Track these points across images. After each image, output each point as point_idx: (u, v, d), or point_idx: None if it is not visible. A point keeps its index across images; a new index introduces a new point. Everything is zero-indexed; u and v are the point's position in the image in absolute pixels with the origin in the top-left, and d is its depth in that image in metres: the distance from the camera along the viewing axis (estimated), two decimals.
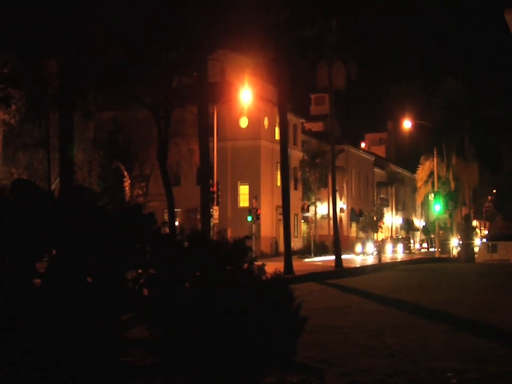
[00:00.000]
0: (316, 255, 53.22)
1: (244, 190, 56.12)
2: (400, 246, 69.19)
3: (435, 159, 55.57)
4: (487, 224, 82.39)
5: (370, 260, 48.34)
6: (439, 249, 55.31)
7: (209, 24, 29.33)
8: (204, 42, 29.15)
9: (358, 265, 38.30)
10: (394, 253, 64.10)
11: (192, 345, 5.60)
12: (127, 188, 45.07)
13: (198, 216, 35.82)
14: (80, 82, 26.39)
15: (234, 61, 48.89)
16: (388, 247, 65.44)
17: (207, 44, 29.87)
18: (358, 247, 61.31)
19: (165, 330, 5.74)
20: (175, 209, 33.97)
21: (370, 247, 61.40)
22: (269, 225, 56.00)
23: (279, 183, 45.19)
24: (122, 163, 45.14)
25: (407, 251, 69.34)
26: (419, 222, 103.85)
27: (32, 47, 28.53)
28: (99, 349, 5.33)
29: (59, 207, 5.82)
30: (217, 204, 40.54)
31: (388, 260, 44.98)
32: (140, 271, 5.82)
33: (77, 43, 23.64)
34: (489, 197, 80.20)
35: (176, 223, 40.34)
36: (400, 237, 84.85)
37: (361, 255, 57.65)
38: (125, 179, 45.17)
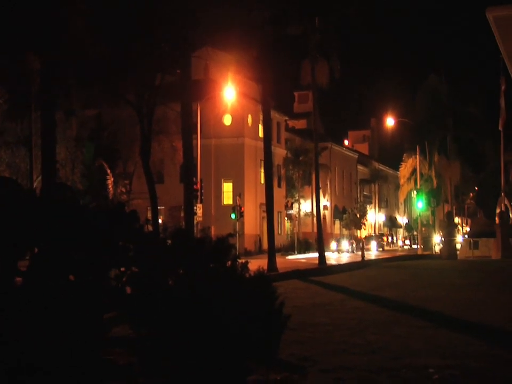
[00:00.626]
0: (299, 252, 53.35)
1: (227, 187, 56.11)
2: (373, 244, 68.34)
3: (418, 156, 55.87)
4: (469, 221, 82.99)
5: (345, 257, 48.24)
6: (422, 246, 55.64)
7: (193, 21, 29.25)
8: (188, 40, 29.07)
9: (341, 263, 38.39)
10: (368, 250, 63.74)
11: (175, 343, 5.61)
12: (110, 186, 44.89)
13: (182, 214, 35.77)
14: (62, 80, 26.23)
15: (218, 59, 48.75)
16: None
17: (190, 42, 29.80)
18: (333, 244, 60.42)
19: (147, 329, 5.74)
20: (159, 207, 33.79)
21: (345, 244, 61.12)
22: (252, 223, 56.05)
23: (262, 181, 45.21)
24: (106, 161, 44.96)
25: (380, 249, 68.78)
26: (402, 219, 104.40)
27: (14, 44, 28.29)
28: (82, 347, 5.32)
29: (41, 205, 5.80)
30: (201, 202, 40.52)
31: (368, 257, 45.01)
32: (122, 269, 5.82)
33: (60, 40, 23.47)
34: (471, 194, 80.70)
35: (160, 221, 40.26)
36: (381, 233, 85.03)
37: (336, 253, 56.80)
38: (108, 177, 44.98)
